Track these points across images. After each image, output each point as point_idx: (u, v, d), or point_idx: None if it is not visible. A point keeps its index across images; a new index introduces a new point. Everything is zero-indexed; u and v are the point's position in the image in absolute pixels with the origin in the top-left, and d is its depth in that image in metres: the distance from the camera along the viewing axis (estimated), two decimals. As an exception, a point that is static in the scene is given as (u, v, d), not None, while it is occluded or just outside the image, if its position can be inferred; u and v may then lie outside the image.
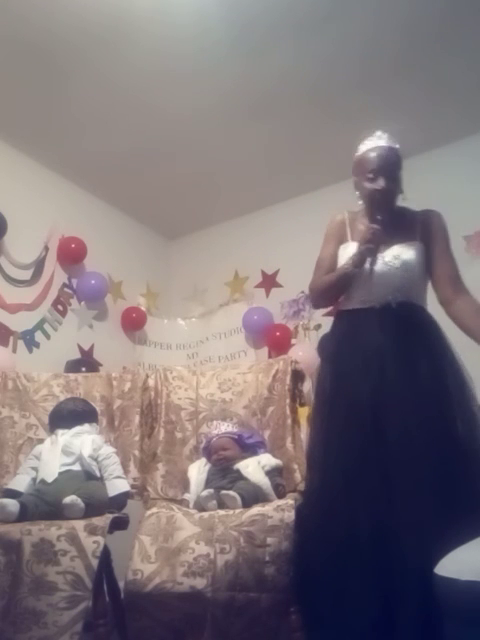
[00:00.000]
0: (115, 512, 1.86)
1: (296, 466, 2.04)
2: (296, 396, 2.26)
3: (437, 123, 3.26)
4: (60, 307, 3.37)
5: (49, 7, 2.47)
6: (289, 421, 2.17)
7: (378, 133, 2.00)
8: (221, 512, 1.80)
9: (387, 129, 1.98)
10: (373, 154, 1.93)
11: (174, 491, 2.12)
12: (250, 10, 2.54)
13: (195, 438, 2.27)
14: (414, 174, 3.50)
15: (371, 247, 1.86)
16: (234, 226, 4.08)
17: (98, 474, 2.04)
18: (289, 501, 1.81)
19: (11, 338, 3.01)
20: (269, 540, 1.67)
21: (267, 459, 2.06)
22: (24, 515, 1.79)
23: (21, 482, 2.01)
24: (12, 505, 1.79)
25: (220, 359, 3.85)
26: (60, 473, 1.97)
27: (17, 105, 2.99)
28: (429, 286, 2.00)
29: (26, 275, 3.21)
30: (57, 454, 2.03)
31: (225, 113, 3.14)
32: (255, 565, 1.64)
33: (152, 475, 2.14)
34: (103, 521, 1.74)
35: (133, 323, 3.79)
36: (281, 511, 1.73)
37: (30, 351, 3.11)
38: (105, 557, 1.80)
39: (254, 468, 2.00)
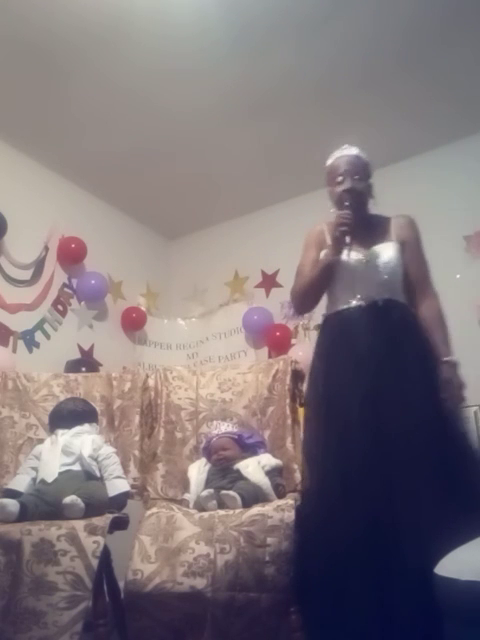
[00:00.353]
0: (115, 512, 1.86)
1: (296, 466, 2.04)
2: (296, 396, 2.26)
3: (438, 122, 3.26)
4: (60, 307, 3.37)
5: (49, 7, 2.47)
6: (289, 421, 2.17)
7: (345, 145, 2.09)
8: (221, 512, 1.80)
9: (354, 142, 2.09)
10: (340, 161, 2.03)
11: (174, 491, 2.11)
12: (250, 10, 2.54)
13: (195, 438, 2.27)
14: (414, 174, 3.54)
15: (344, 229, 1.89)
16: (234, 226, 4.08)
17: (98, 474, 2.03)
18: (289, 501, 1.81)
19: (11, 338, 3.01)
20: (269, 540, 1.67)
21: (267, 459, 2.06)
22: (24, 515, 1.79)
23: (21, 482, 2.01)
24: (12, 505, 1.79)
25: (220, 359, 3.85)
26: (60, 473, 1.97)
27: (17, 105, 2.99)
28: None
29: (26, 275, 3.21)
30: (57, 454, 2.03)
31: (225, 113, 3.14)
32: (255, 565, 1.64)
33: (152, 475, 2.14)
34: (103, 521, 1.74)
35: (133, 323, 3.79)
36: (281, 511, 1.73)
37: (30, 351, 3.11)
38: (105, 557, 1.79)
39: (254, 468, 2.00)
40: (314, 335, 3.50)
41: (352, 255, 1.94)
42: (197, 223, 4.16)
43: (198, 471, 2.10)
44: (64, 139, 3.25)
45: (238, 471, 2.00)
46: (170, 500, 2.05)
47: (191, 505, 2.01)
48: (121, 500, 1.99)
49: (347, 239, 1.89)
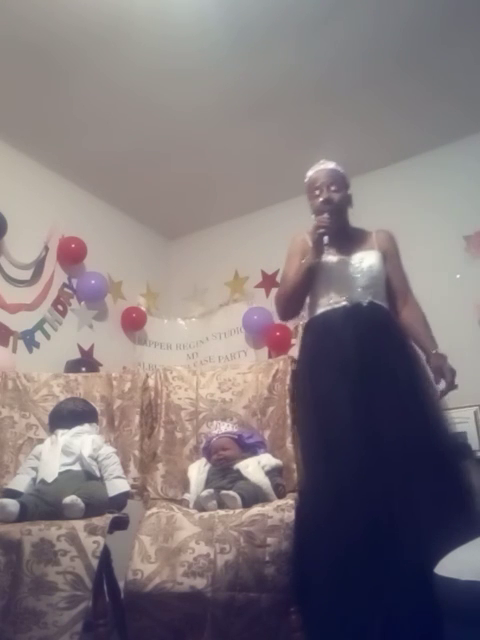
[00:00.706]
0: (115, 512, 1.86)
1: (296, 466, 2.04)
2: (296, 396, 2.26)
3: (438, 122, 3.26)
4: (60, 307, 3.37)
5: (49, 7, 2.47)
6: (289, 421, 2.17)
7: (322, 160, 2.15)
8: (221, 512, 1.80)
9: (330, 157, 2.15)
10: (318, 174, 2.11)
11: (174, 491, 2.11)
12: (250, 10, 2.54)
13: (195, 438, 2.27)
14: (414, 174, 3.54)
15: (322, 231, 1.94)
16: (234, 226, 4.08)
17: (98, 474, 2.03)
18: (289, 501, 1.81)
19: (11, 338, 3.01)
20: (269, 540, 1.67)
21: (267, 459, 2.06)
22: (24, 515, 1.79)
23: (21, 482, 2.01)
24: (12, 505, 1.79)
25: (220, 359, 3.85)
26: (60, 473, 1.97)
27: (17, 105, 2.99)
28: None
29: (26, 275, 3.21)
30: (57, 454, 2.02)
31: (225, 113, 3.14)
32: (255, 565, 1.64)
33: (152, 475, 2.14)
34: (103, 521, 1.74)
35: (133, 323, 3.79)
36: (281, 511, 1.73)
37: (30, 351, 3.11)
38: (105, 557, 1.79)
39: (254, 468, 2.00)
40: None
41: (334, 259, 2.01)
42: (197, 223, 4.16)
43: (198, 471, 2.10)
44: (64, 139, 3.25)
45: (238, 471, 2.00)
46: (170, 500, 2.05)
47: (191, 505, 2.01)
48: (121, 500, 1.99)
49: (325, 239, 1.94)
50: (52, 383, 2.35)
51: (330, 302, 1.99)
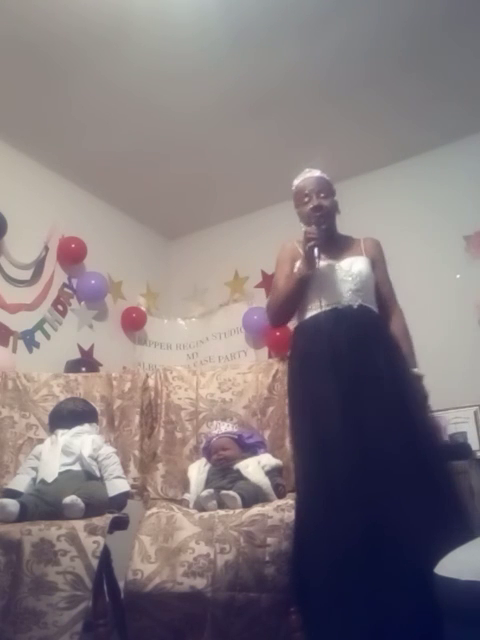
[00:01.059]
0: (115, 512, 1.86)
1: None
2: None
3: (438, 122, 3.26)
4: (60, 307, 3.37)
5: (49, 7, 2.47)
6: (289, 421, 2.17)
7: (307, 169, 2.19)
8: (221, 512, 1.80)
9: (316, 164, 2.19)
10: (305, 182, 2.15)
11: (174, 491, 2.11)
12: (251, 10, 2.54)
13: (195, 438, 2.27)
14: (414, 174, 3.54)
15: (312, 244, 1.96)
16: (234, 226, 4.08)
17: (98, 474, 2.03)
18: (289, 501, 1.81)
19: (11, 338, 3.01)
20: (269, 540, 1.67)
21: (267, 459, 2.06)
22: (24, 515, 1.79)
23: (21, 482, 2.01)
24: (12, 505, 1.79)
25: (220, 359, 3.85)
26: (60, 473, 1.97)
27: (17, 105, 2.99)
28: None
29: (26, 275, 3.21)
30: (57, 454, 2.02)
31: (225, 113, 3.14)
32: (255, 565, 1.64)
33: (152, 475, 2.14)
34: (103, 521, 1.74)
35: (133, 323, 3.79)
36: (281, 511, 1.73)
37: (30, 351, 3.11)
38: (105, 557, 1.80)
39: (254, 468, 2.00)
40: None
41: (324, 264, 2.02)
42: (197, 223, 4.16)
43: (198, 471, 2.10)
44: (64, 139, 3.25)
45: (238, 471, 2.00)
46: (170, 500, 2.05)
47: (191, 505, 2.01)
48: (121, 500, 1.99)
49: (316, 251, 1.96)
50: (52, 383, 2.35)
51: (321, 305, 2.00)
